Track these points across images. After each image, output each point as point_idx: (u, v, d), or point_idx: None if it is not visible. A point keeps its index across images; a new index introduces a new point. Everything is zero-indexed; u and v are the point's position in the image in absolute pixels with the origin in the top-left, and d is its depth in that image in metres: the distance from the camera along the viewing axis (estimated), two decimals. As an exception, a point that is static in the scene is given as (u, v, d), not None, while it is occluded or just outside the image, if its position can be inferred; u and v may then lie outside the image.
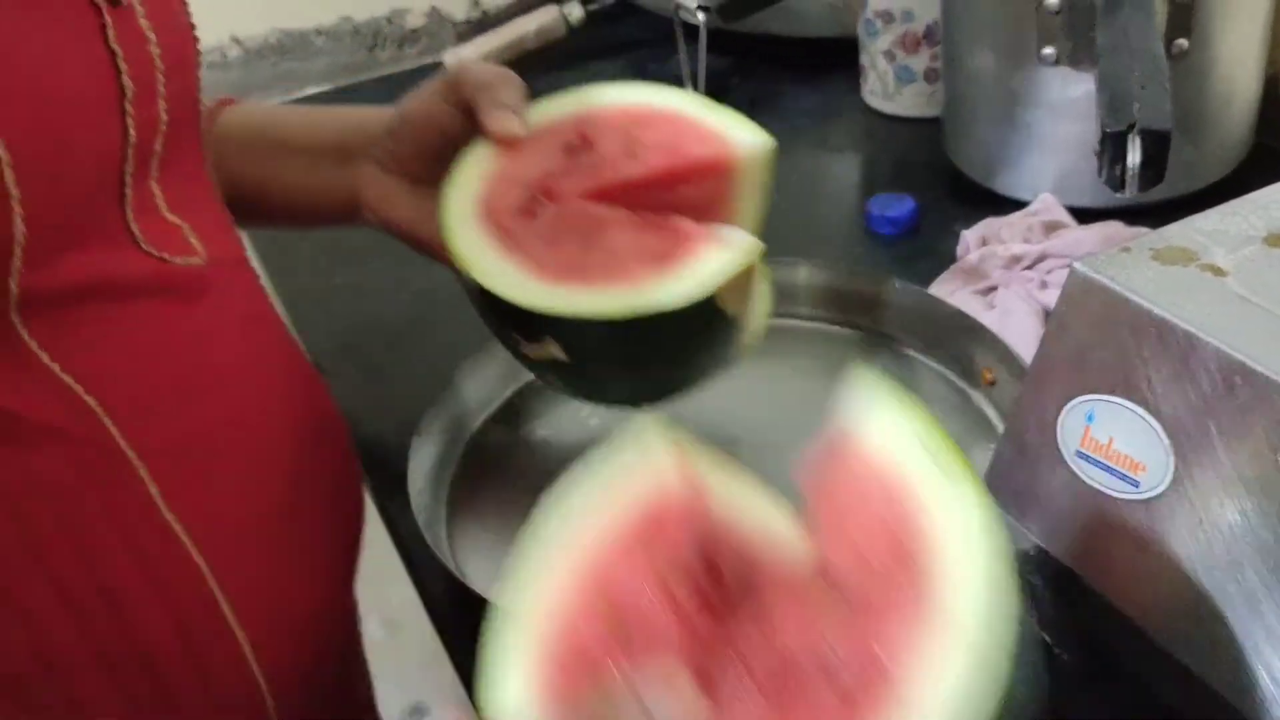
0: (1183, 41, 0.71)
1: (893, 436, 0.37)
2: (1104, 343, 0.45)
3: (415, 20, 1.15)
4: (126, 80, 0.46)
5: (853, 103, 0.98)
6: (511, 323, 0.54)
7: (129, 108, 0.46)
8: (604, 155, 0.57)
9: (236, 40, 1.09)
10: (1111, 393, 0.44)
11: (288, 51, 1.11)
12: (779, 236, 0.73)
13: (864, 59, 0.95)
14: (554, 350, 0.54)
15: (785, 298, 0.69)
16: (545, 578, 0.38)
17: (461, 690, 0.53)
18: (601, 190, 0.56)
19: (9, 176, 0.41)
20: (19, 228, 0.42)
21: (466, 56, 1.07)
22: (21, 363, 0.45)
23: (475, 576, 0.58)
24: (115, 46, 0.46)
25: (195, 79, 0.52)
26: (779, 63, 1.04)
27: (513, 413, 0.69)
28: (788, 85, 1.02)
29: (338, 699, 0.62)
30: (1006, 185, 0.80)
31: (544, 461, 0.65)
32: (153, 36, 0.48)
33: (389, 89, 1.11)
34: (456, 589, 0.56)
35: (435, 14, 1.16)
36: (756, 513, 0.40)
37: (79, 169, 0.45)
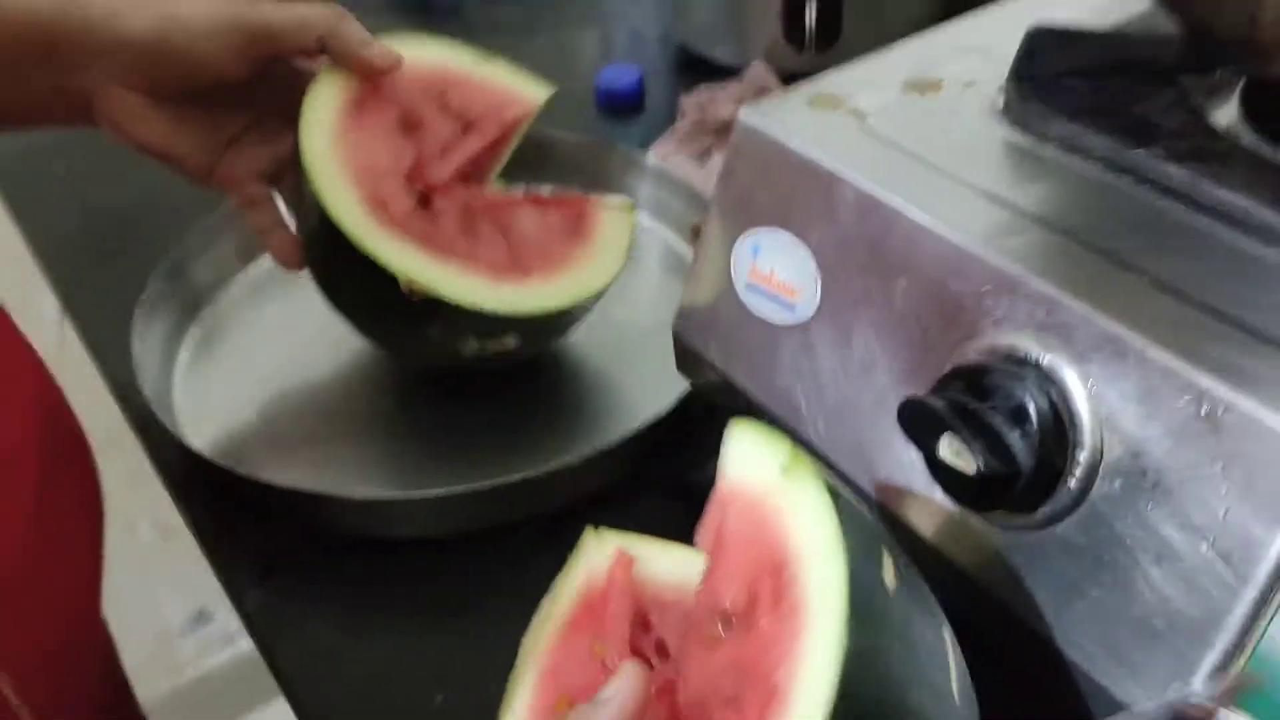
0: (872, -88, 0.76)
1: (750, 464, 0.38)
2: (765, 182, 0.49)
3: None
4: None
5: (587, -21, 1.00)
6: (469, 326, 0.56)
7: None
8: (439, 131, 0.58)
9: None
10: (772, 225, 0.49)
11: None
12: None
13: (595, -65, 0.97)
14: (510, 342, 0.58)
15: (523, 169, 0.72)
16: (517, 691, 0.41)
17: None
18: (461, 171, 0.58)
19: None
20: None
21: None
22: None
23: (217, 445, 0.59)
24: None
25: None
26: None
27: (247, 288, 0.69)
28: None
29: None
30: (725, 55, 0.85)
31: (272, 335, 0.66)
32: None
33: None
34: (197, 462, 0.57)
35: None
36: (679, 570, 0.42)
37: None
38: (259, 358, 0.63)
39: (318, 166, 0.54)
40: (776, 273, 0.49)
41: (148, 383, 0.59)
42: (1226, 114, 0.46)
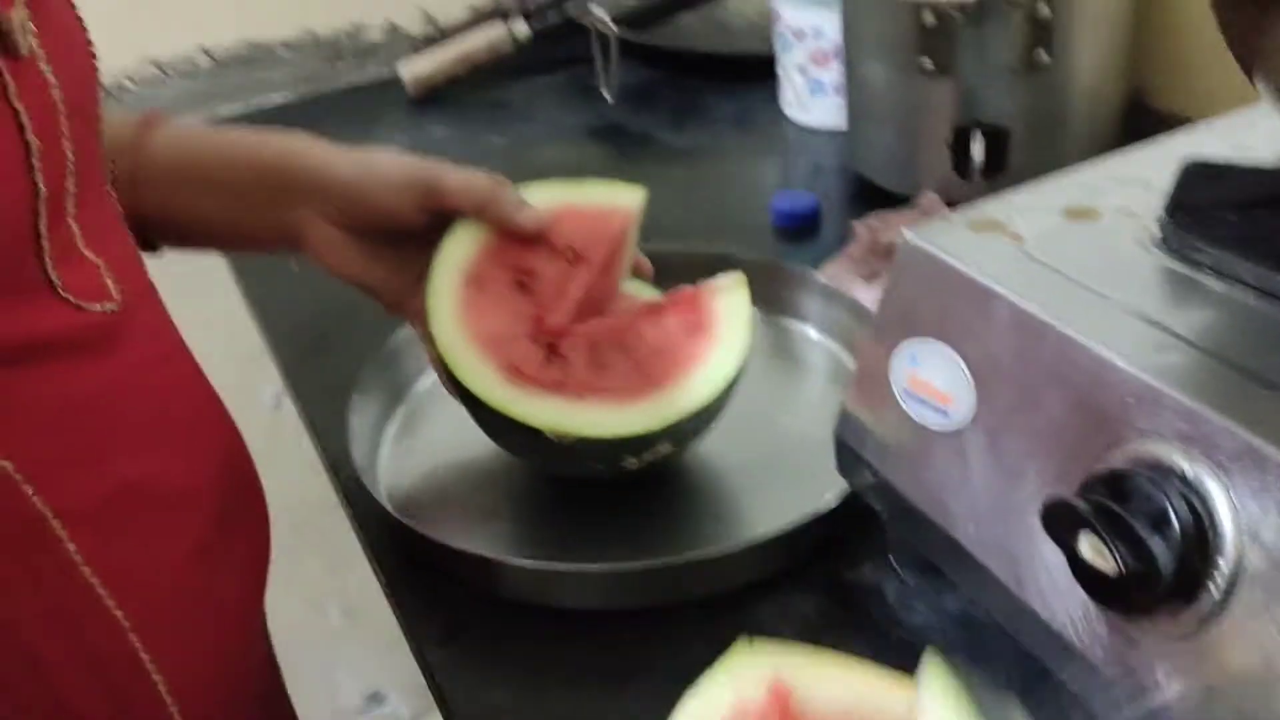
0: (1042, 52, 0.80)
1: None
2: (926, 296, 0.53)
3: (374, 35, 1.23)
4: (31, 137, 0.44)
5: (771, 112, 1.07)
6: (625, 448, 0.60)
7: (36, 164, 0.44)
8: (551, 275, 0.63)
9: (206, 51, 1.17)
10: (930, 337, 0.52)
11: (254, 62, 1.19)
12: (697, 232, 0.82)
13: (780, 72, 1.04)
14: (664, 448, 0.61)
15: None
16: None
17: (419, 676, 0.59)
18: (580, 305, 0.62)
19: None
20: None
21: (421, 68, 1.16)
22: None
23: (414, 514, 0.64)
24: (17, 105, 0.44)
25: (97, 106, 0.51)
26: (706, 75, 1.13)
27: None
28: (713, 96, 1.11)
29: None
30: (898, 185, 0.89)
31: (466, 418, 0.72)
32: (55, 80, 0.46)
33: (350, 97, 1.20)
34: (395, 528, 0.63)
35: (393, 29, 1.24)
36: (840, 698, 0.43)
37: None
38: (454, 438, 0.69)
39: (451, 347, 0.61)
40: (933, 381, 0.53)
41: (358, 456, 0.66)
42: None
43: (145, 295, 0.54)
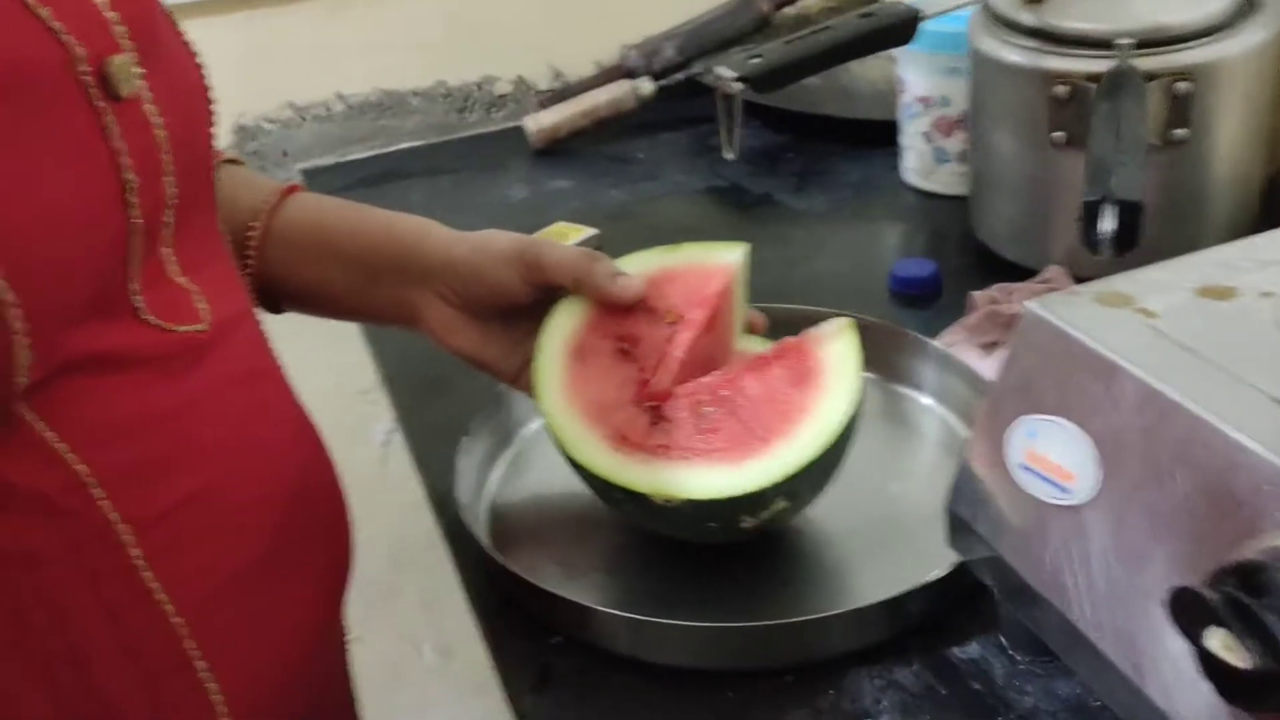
0: (1182, 131, 0.78)
1: None
2: (1048, 370, 0.51)
3: (503, 87, 1.26)
4: (129, 174, 0.46)
5: (893, 179, 1.06)
6: (739, 508, 0.59)
7: (132, 199, 0.46)
8: (653, 339, 0.64)
9: (341, 96, 1.21)
10: (1051, 412, 0.51)
11: (386, 109, 1.23)
12: (815, 296, 0.82)
13: (904, 139, 1.03)
14: (780, 505, 0.61)
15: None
16: None
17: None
18: (686, 367, 0.63)
19: (7, 296, 0.41)
20: (20, 339, 0.42)
21: (545, 120, 1.18)
22: (15, 431, 0.44)
23: (514, 558, 0.64)
24: (116, 144, 0.45)
25: (208, 143, 0.53)
26: (829, 139, 1.13)
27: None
28: (835, 160, 1.11)
29: None
30: (1022, 256, 0.87)
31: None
32: (158, 120, 0.47)
33: (475, 146, 1.23)
34: (494, 570, 0.63)
35: (521, 82, 1.27)
36: None
37: (79, 264, 0.44)
38: (560, 484, 0.69)
39: (557, 420, 0.62)
40: (1052, 455, 0.51)
41: (462, 495, 0.67)
42: None
43: (240, 318, 0.55)
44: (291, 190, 0.68)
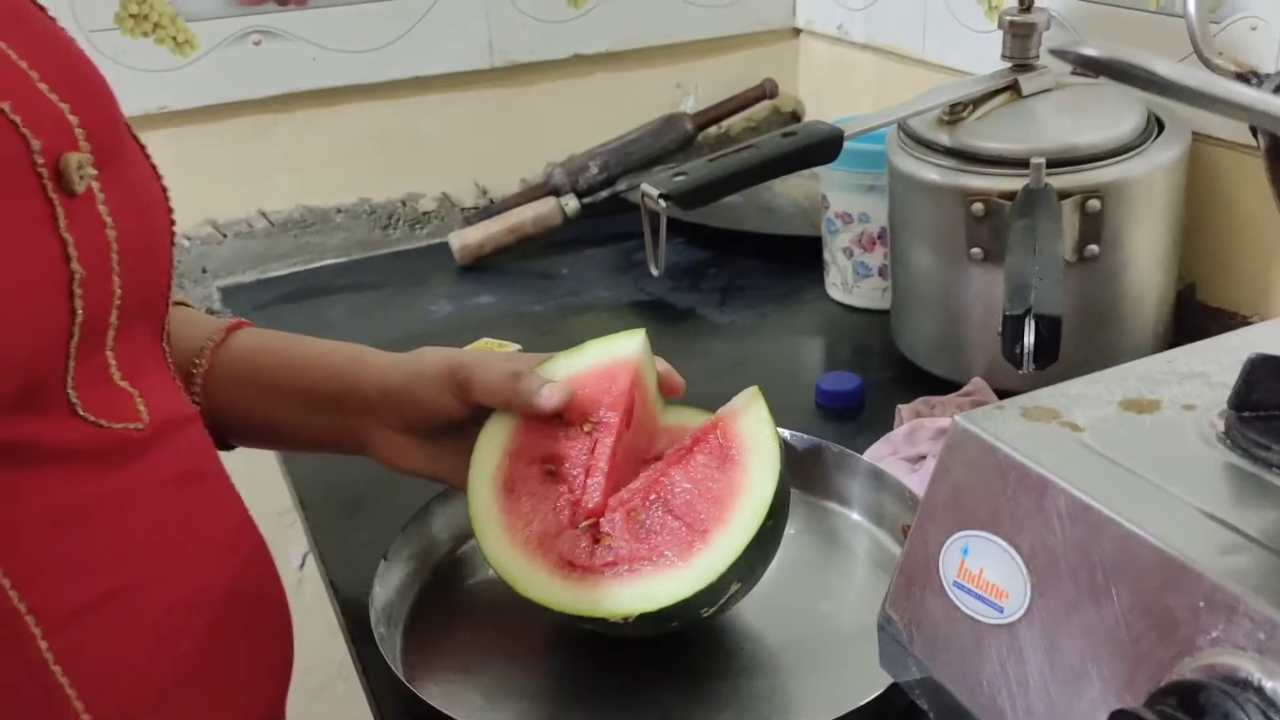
0: (1094, 247, 0.80)
1: None
2: (978, 485, 0.51)
3: (427, 204, 1.26)
4: (76, 266, 0.47)
5: (816, 293, 1.07)
6: (697, 604, 0.59)
7: (77, 290, 0.47)
8: (575, 455, 0.64)
9: (263, 214, 1.20)
10: (982, 528, 0.50)
11: (309, 226, 1.22)
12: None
13: (826, 255, 1.05)
14: (735, 588, 0.61)
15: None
16: None
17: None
18: (609, 476, 0.62)
19: None
20: None
21: (470, 237, 1.18)
22: None
23: (433, 685, 0.62)
24: (65, 235, 0.46)
25: (166, 255, 0.54)
26: (752, 255, 1.15)
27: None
28: (758, 276, 1.12)
29: None
30: (944, 369, 0.88)
31: (491, 590, 0.70)
32: (110, 220, 0.49)
33: (400, 262, 1.22)
34: (409, 701, 0.60)
35: (446, 200, 1.27)
36: None
37: (18, 351, 0.45)
38: (482, 607, 0.67)
39: (502, 564, 0.61)
40: (985, 573, 0.50)
41: (378, 623, 0.64)
42: None
43: (184, 422, 0.55)
44: (237, 326, 0.68)
